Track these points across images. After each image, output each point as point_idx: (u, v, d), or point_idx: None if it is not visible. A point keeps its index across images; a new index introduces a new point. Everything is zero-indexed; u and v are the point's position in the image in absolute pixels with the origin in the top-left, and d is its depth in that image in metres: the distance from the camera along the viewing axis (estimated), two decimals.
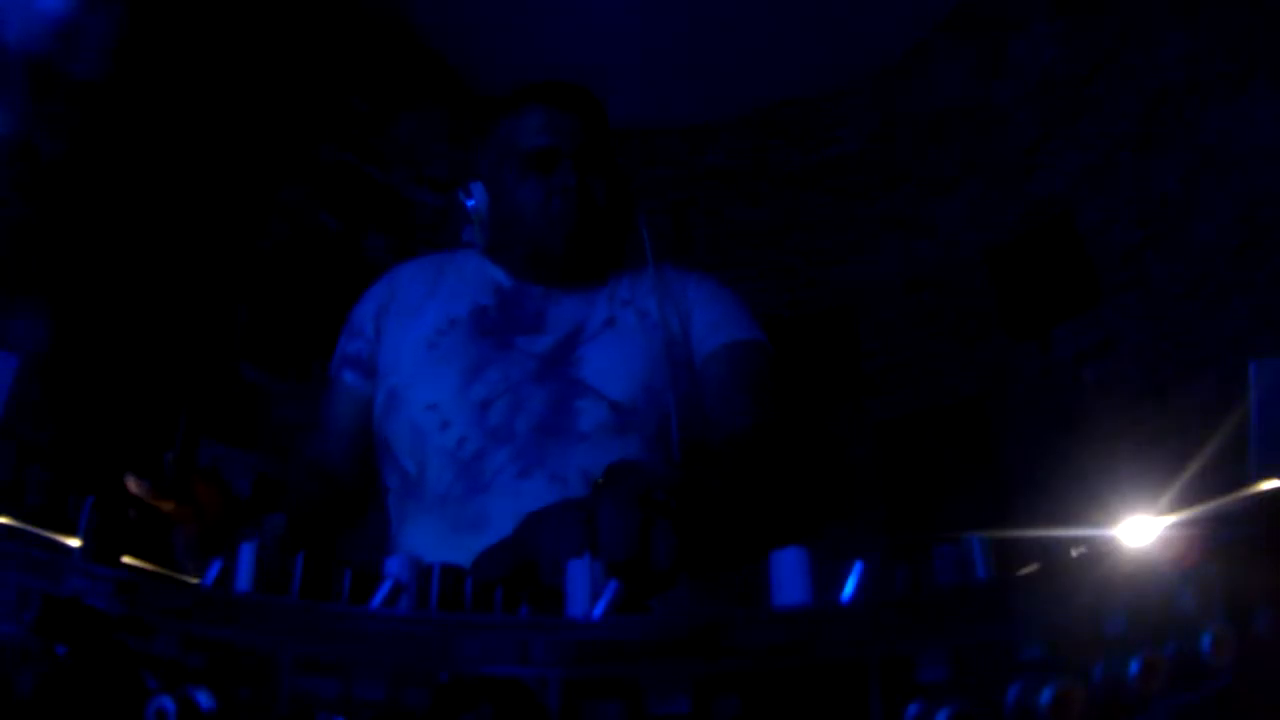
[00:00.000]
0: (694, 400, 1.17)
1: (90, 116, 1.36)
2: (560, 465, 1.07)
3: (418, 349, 1.19)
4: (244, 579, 0.49)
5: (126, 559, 0.50)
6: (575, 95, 1.24)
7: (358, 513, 1.24)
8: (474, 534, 1.03)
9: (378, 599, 0.48)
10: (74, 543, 0.48)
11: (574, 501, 0.73)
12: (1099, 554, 0.44)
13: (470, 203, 1.24)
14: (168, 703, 0.40)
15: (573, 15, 3.79)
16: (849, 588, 0.45)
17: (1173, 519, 0.45)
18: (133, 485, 0.80)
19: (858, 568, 0.45)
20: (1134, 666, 0.39)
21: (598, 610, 0.45)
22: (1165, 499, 0.47)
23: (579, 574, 0.47)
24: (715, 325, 1.21)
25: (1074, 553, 0.46)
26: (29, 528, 0.48)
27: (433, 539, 1.10)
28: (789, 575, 0.45)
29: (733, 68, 4.04)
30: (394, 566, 0.50)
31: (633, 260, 1.27)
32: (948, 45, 4.13)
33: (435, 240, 3.67)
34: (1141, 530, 0.44)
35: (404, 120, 3.98)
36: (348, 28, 3.31)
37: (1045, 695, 0.37)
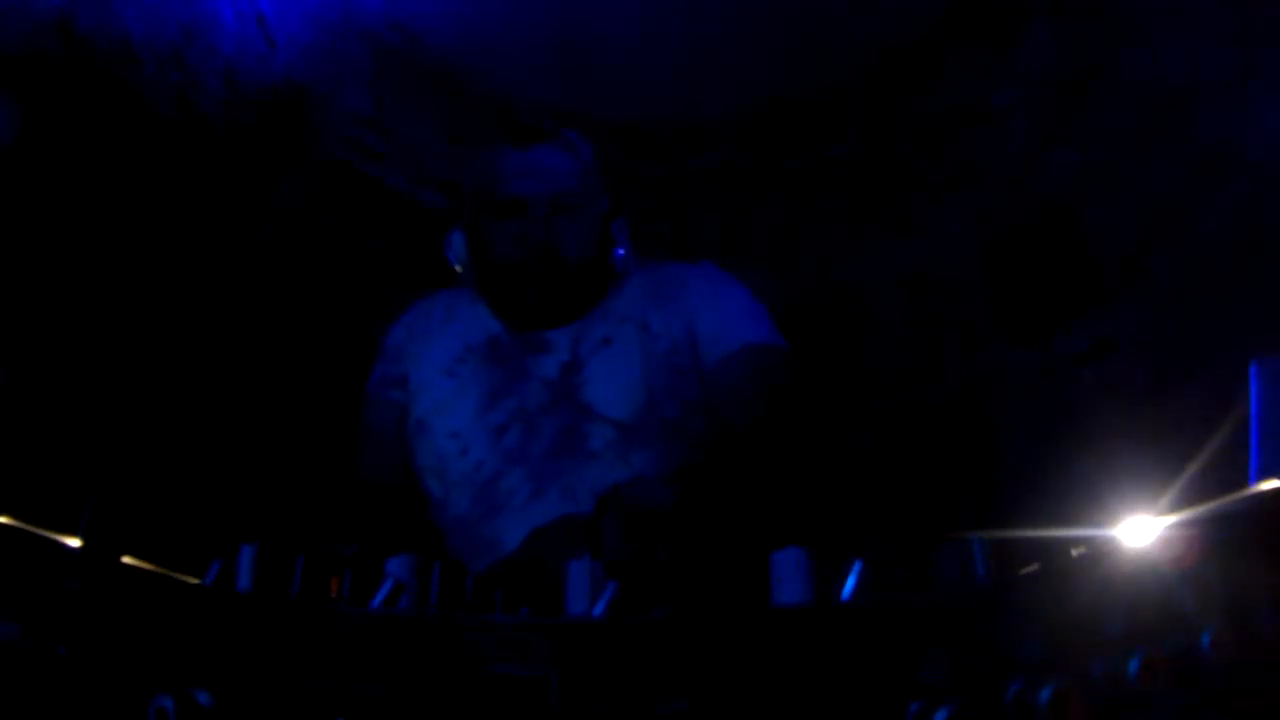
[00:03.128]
0: (703, 407, 1.16)
1: (81, 115, 1.36)
2: (571, 485, 1.08)
3: (439, 379, 1.21)
4: (244, 579, 0.49)
5: (126, 559, 0.50)
6: (546, 137, 1.21)
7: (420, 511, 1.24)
8: (490, 555, 1.04)
9: (378, 599, 0.48)
10: (74, 543, 0.48)
11: (578, 516, 0.73)
12: (1099, 554, 0.44)
13: (450, 254, 1.25)
14: (168, 702, 0.40)
15: (572, 15, 3.80)
16: (849, 587, 0.45)
17: (1173, 519, 0.45)
18: None
19: (857, 568, 0.45)
20: (1133, 666, 0.39)
21: (597, 610, 0.45)
22: (1165, 499, 0.47)
23: (579, 575, 0.47)
24: (723, 329, 1.19)
25: (1074, 553, 0.46)
26: (29, 528, 0.47)
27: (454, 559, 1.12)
28: (789, 575, 0.45)
29: (732, 67, 4.05)
30: (394, 566, 0.50)
31: (627, 269, 1.26)
32: (948, 45, 4.13)
33: (435, 241, 3.65)
34: (1141, 530, 0.44)
35: (404, 119, 3.98)
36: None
37: (1044, 694, 0.37)
